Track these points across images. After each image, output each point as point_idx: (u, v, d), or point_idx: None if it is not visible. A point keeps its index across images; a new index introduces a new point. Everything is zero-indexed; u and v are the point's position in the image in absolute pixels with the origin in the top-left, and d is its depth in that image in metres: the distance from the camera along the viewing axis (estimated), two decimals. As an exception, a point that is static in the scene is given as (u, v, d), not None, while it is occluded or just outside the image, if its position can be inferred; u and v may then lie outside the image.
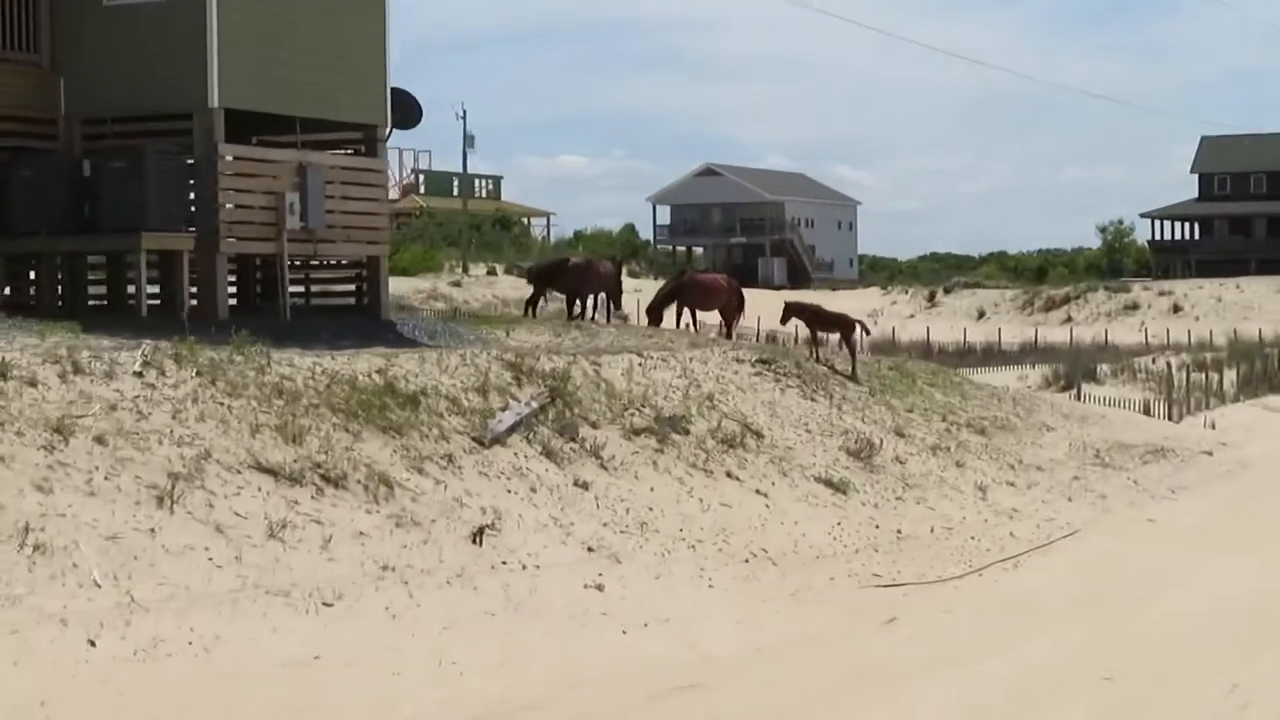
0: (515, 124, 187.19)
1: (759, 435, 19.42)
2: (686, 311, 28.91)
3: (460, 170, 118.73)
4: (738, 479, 17.67)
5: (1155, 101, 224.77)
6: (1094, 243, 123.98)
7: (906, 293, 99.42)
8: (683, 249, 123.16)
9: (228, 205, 20.50)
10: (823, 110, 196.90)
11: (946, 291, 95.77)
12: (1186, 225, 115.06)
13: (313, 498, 12.87)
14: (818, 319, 25.56)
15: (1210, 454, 26.33)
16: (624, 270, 32.10)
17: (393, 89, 21.72)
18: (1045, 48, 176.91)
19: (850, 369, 24.86)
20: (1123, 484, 22.45)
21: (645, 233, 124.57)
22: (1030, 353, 62.75)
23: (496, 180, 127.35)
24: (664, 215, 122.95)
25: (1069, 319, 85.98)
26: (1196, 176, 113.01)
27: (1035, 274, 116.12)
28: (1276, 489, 23.62)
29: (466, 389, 16.57)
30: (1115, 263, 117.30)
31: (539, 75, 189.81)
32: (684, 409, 19.01)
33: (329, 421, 14.21)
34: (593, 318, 28.81)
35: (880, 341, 70.46)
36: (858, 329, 25.28)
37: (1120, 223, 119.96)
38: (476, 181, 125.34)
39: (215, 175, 20.14)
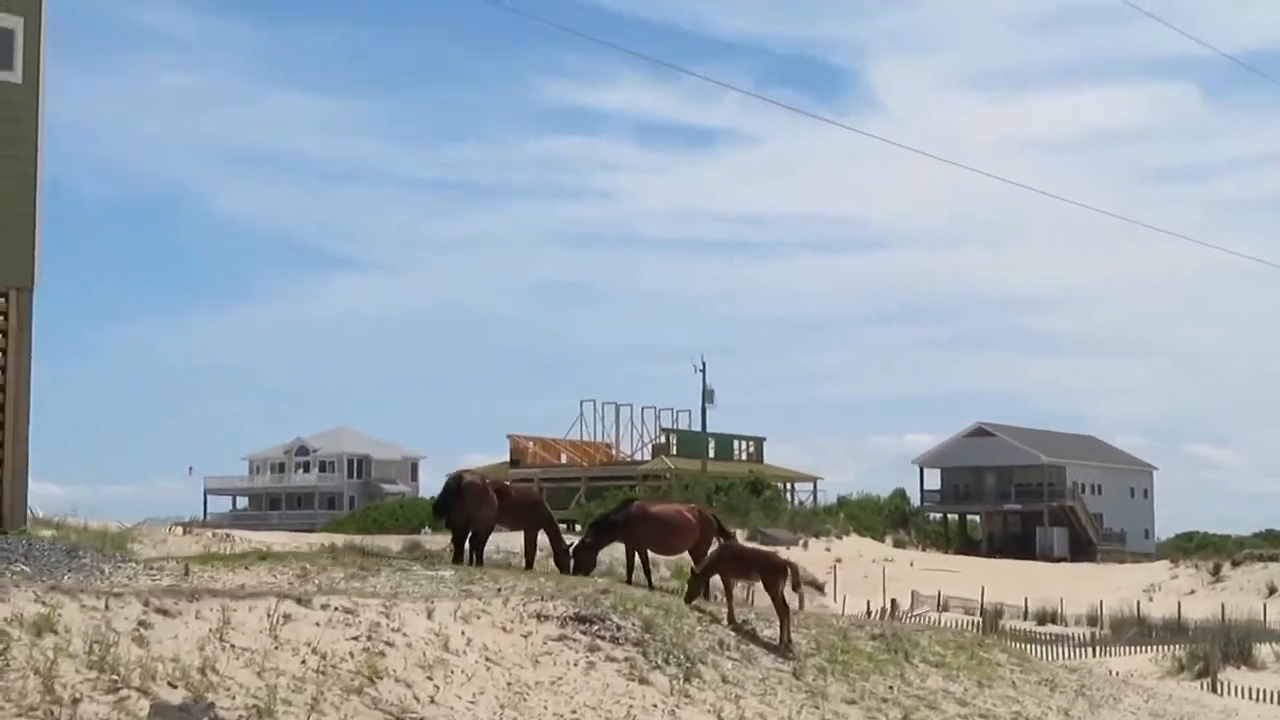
0: (859, 402, 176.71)
1: (424, 739, 11.51)
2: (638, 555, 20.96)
3: (715, 431, 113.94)
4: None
5: None
6: None
7: (1197, 567, 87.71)
8: (954, 516, 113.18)
9: None
10: (1175, 386, 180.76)
11: (1234, 565, 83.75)
12: None
13: None
14: (730, 563, 17.45)
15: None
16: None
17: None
18: None
19: (780, 634, 16.68)
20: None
21: (915, 499, 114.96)
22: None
23: (758, 442, 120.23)
24: (933, 480, 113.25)
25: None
26: None
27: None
28: None
29: None
30: None
31: (883, 353, 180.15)
32: (267, 696, 11.23)
33: None
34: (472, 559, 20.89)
35: (1127, 619, 59.97)
36: (788, 575, 17.05)
37: None
38: (735, 443, 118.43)
39: None
